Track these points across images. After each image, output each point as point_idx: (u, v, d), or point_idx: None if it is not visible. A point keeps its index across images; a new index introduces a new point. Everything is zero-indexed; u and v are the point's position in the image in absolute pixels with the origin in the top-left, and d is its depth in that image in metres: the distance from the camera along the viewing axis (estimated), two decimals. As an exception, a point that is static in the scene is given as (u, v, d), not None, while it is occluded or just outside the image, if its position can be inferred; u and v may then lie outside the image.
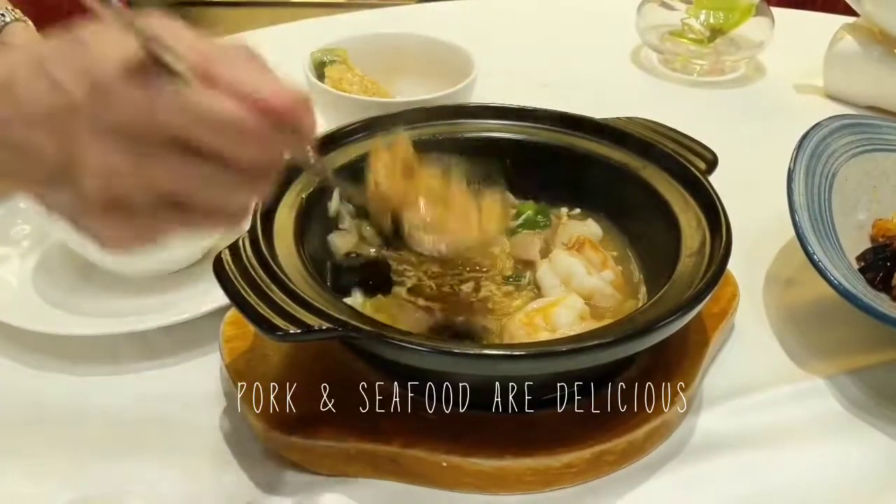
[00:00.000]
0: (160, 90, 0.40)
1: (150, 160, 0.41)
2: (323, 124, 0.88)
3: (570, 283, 0.65)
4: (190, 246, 0.72)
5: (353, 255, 0.67)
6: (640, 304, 0.65)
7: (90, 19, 0.42)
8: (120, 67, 0.40)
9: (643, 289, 0.67)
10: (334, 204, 0.69)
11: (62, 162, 0.41)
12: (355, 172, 0.69)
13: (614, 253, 0.70)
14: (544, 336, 0.60)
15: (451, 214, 0.60)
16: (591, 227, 0.71)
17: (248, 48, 0.43)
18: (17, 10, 0.84)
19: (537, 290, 0.66)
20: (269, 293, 0.54)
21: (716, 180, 0.67)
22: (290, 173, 0.66)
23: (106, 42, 0.41)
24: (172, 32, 0.41)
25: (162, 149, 0.41)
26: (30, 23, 0.85)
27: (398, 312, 0.62)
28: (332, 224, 0.69)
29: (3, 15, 0.83)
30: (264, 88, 0.41)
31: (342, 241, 0.68)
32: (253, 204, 0.46)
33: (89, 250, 0.71)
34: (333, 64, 0.90)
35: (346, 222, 0.70)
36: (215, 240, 0.74)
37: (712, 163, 0.70)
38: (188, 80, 0.40)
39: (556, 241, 0.69)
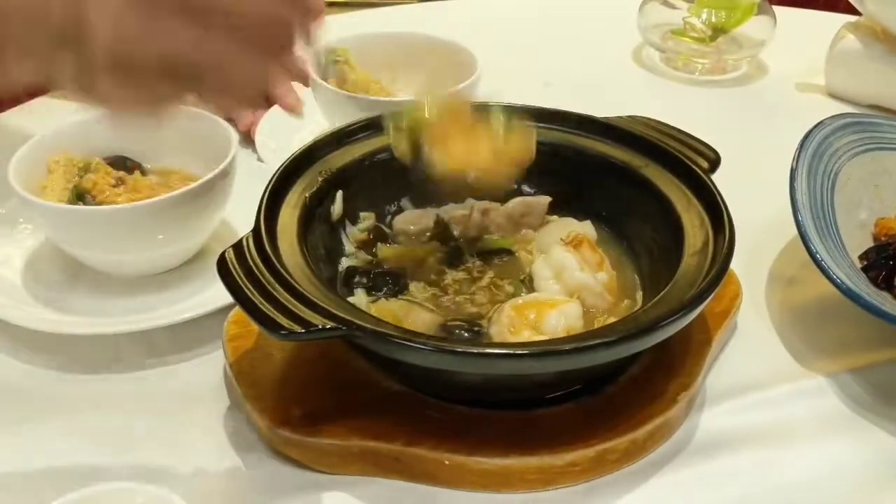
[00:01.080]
0: None
1: (157, 22, 0.42)
2: (326, 124, 0.89)
3: (561, 277, 0.65)
4: (179, 246, 0.73)
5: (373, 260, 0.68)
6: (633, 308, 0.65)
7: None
8: None
9: (639, 294, 0.67)
10: (337, 207, 0.69)
11: (69, 24, 0.42)
12: (357, 172, 0.70)
13: (613, 253, 0.70)
14: (526, 333, 0.61)
15: (476, 144, 0.63)
16: (586, 228, 0.71)
17: None
18: None
19: (530, 281, 0.67)
20: (273, 292, 0.54)
21: (718, 179, 0.68)
22: (293, 173, 0.67)
23: None
24: None
25: (171, 13, 0.42)
26: None
27: (403, 314, 0.62)
28: (336, 226, 0.69)
29: None
30: None
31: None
32: (262, 82, 0.46)
33: (78, 251, 0.71)
34: (336, 64, 0.90)
35: (349, 248, 0.70)
36: (204, 240, 0.74)
37: (715, 161, 0.70)
38: None
39: (555, 237, 0.70)
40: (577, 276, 0.65)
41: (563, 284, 0.65)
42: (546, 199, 0.73)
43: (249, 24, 0.43)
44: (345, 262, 0.69)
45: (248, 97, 0.47)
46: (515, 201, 0.73)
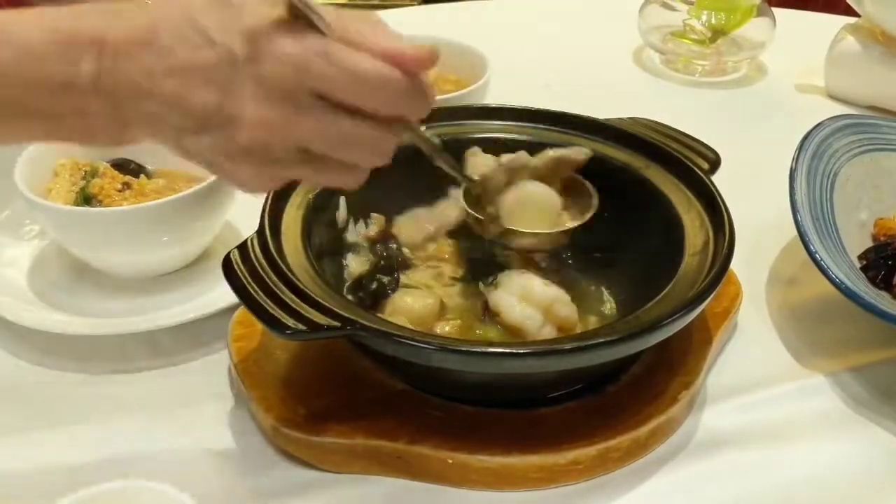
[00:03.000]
0: (311, 44, 0.43)
1: (297, 113, 0.44)
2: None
3: (529, 298, 0.63)
4: (184, 248, 0.73)
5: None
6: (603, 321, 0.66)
7: None
8: (273, 24, 0.43)
9: (608, 305, 0.68)
10: (342, 213, 0.69)
11: (215, 112, 0.44)
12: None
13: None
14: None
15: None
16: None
17: (372, 14, 0.47)
18: None
19: (498, 315, 0.64)
20: (278, 292, 0.55)
21: (718, 180, 0.68)
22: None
23: (251, 3, 0.44)
24: None
25: (309, 103, 0.44)
26: None
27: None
28: (340, 226, 0.70)
29: None
30: (397, 45, 0.45)
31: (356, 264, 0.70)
32: (375, 163, 0.49)
33: (84, 252, 0.71)
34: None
35: (353, 247, 0.71)
36: (209, 242, 0.75)
37: (715, 162, 0.71)
38: (331, 36, 0.43)
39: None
40: (545, 290, 0.63)
41: (534, 303, 0.63)
42: (583, 152, 0.69)
43: (375, 114, 0.46)
44: (349, 262, 0.69)
45: (358, 174, 0.50)
46: (547, 156, 0.69)
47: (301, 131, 0.45)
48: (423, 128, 0.53)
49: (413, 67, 0.45)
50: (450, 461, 0.57)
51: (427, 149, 0.56)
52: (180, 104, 0.44)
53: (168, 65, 0.43)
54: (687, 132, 0.74)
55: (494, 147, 0.74)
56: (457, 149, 0.74)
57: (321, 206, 0.67)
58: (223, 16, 0.44)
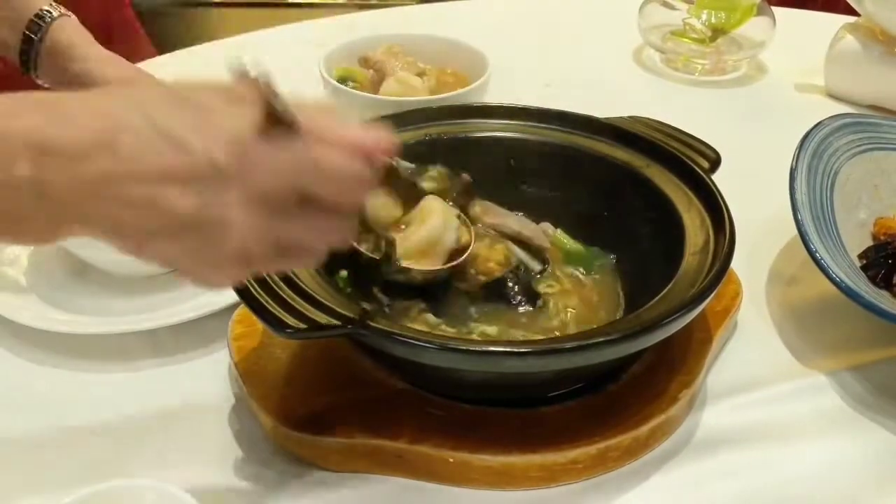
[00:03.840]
0: (298, 153, 0.42)
1: (286, 216, 0.43)
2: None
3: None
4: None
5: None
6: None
7: None
8: (252, 130, 0.41)
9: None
10: None
11: (198, 220, 0.41)
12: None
13: (597, 276, 0.70)
14: None
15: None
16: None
17: (327, 103, 0.46)
18: (61, 6, 0.79)
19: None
20: (278, 291, 0.55)
21: (718, 179, 0.68)
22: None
23: (217, 104, 0.42)
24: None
25: (289, 205, 0.43)
26: (73, 17, 0.79)
27: None
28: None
29: (49, 11, 0.76)
30: (361, 134, 0.45)
31: None
32: (343, 243, 0.48)
33: (84, 251, 0.71)
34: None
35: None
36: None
37: (715, 161, 0.71)
38: (304, 137, 0.42)
39: None
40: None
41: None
42: None
43: (345, 206, 0.46)
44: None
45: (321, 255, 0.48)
46: None
47: (290, 233, 0.44)
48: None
49: (379, 154, 0.45)
50: (450, 460, 0.57)
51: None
52: (155, 209, 0.40)
53: (131, 170, 0.39)
54: (687, 131, 0.74)
55: (495, 146, 0.75)
56: (456, 148, 0.74)
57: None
58: (196, 121, 0.41)
